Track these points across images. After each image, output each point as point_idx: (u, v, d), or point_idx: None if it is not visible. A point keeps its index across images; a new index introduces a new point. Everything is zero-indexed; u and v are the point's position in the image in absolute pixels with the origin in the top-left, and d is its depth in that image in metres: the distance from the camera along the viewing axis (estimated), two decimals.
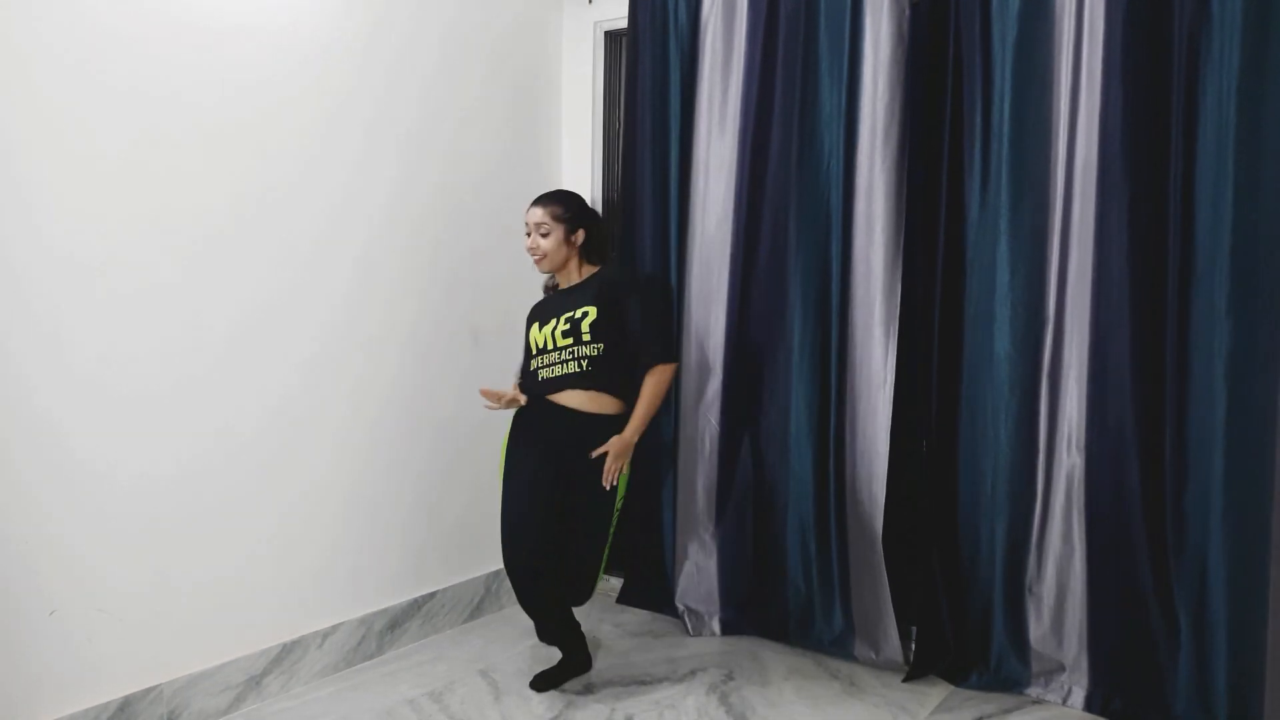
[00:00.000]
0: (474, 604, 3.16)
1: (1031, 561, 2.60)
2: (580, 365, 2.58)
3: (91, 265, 2.10)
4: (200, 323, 2.32)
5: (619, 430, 2.60)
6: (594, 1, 3.37)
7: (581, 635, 2.72)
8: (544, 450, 2.58)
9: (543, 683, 2.63)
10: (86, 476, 2.12)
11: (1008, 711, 2.54)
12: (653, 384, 2.63)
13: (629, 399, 2.65)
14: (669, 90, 3.11)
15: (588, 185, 3.41)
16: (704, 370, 3.08)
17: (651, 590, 3.24)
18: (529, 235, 2.66)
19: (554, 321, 2.62)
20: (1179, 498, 2.39)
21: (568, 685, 2.66)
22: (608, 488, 2.57)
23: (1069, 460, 2.54)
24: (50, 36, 2.01)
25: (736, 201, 2.98)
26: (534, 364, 2.65)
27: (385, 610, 2.85)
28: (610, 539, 2.66)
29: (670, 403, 3.14)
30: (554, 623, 2.67)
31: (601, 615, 3.23)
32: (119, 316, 2.16)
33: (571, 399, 2.59)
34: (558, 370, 2.60)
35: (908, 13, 2.68)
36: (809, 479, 2.88)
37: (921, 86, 2.70)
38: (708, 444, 3.08)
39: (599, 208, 3.42)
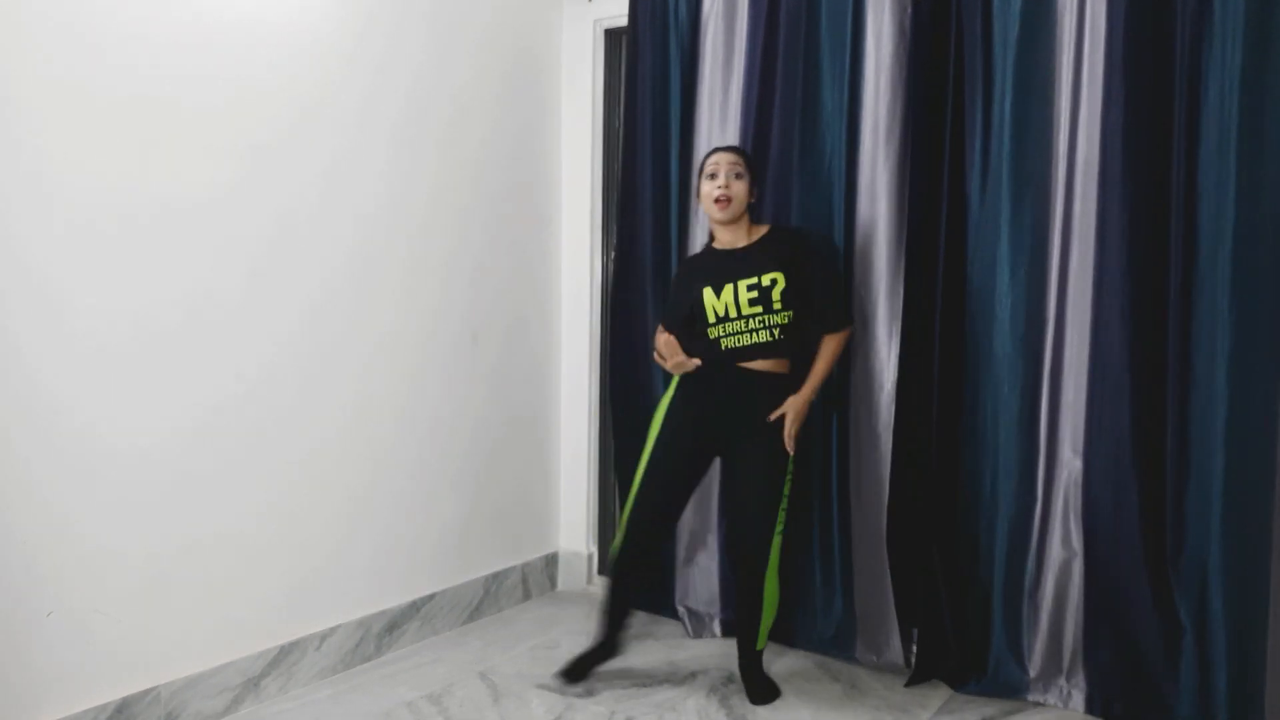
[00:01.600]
0: (473, 606, 3.15)
1: (1031, 563, 2.59)
2: (772, 334, 2.51)
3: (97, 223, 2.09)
4: (193, 321, 2.31)
5: (795, 390, 2.56)
6: (594, 0, 3.36)
7: (628, 623, 2.72)
8: (712, 421, 2.55)
9: (577, 673, 2.65)
10: (87, 477, 2.11)
11: (1008, 715, 2.53)
12: (834, 346, 2.59)
13: (803, 363, 2.61)
14: (669, 88, 3.10)
15: (587, 184, 3.40)
16: None
17: (652, 592, 3.23)
18: (712, 178, 2.54)
19: (732, 286, 2.51)
20: (1179, 499, 2.38)
21: (567, 688, 2.65)
22: (791, 451, 2.53)
23: (1069, 461, 2.53)
24: (50, 10, 2.00)
25: None
26: (713, 332, 2.53)
27: (384, 612, 2.84)
28: (784, 515, 2.56)
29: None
30: (630, 594, 2.66)
31: None
32: (118, 316, 2.15)
33: (761, 366, 2.53)
34: (746, 339, 2.51)
35: (909, 10, 2.67)
36: (810, 479, 2.87)
37: (923, 85, 2.68)
38: None
39: (598, 208, 3.41)
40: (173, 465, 2.28)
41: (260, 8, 2.41)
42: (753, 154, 2.91)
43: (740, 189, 2.54)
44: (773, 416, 2.52)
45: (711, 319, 2.53)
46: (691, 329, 2.59)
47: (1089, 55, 2.46)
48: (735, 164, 2.55)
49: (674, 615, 3.15)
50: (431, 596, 3.00)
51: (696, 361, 2.55)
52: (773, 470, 2.54)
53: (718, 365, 2.55)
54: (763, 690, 2.59)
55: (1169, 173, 2.37)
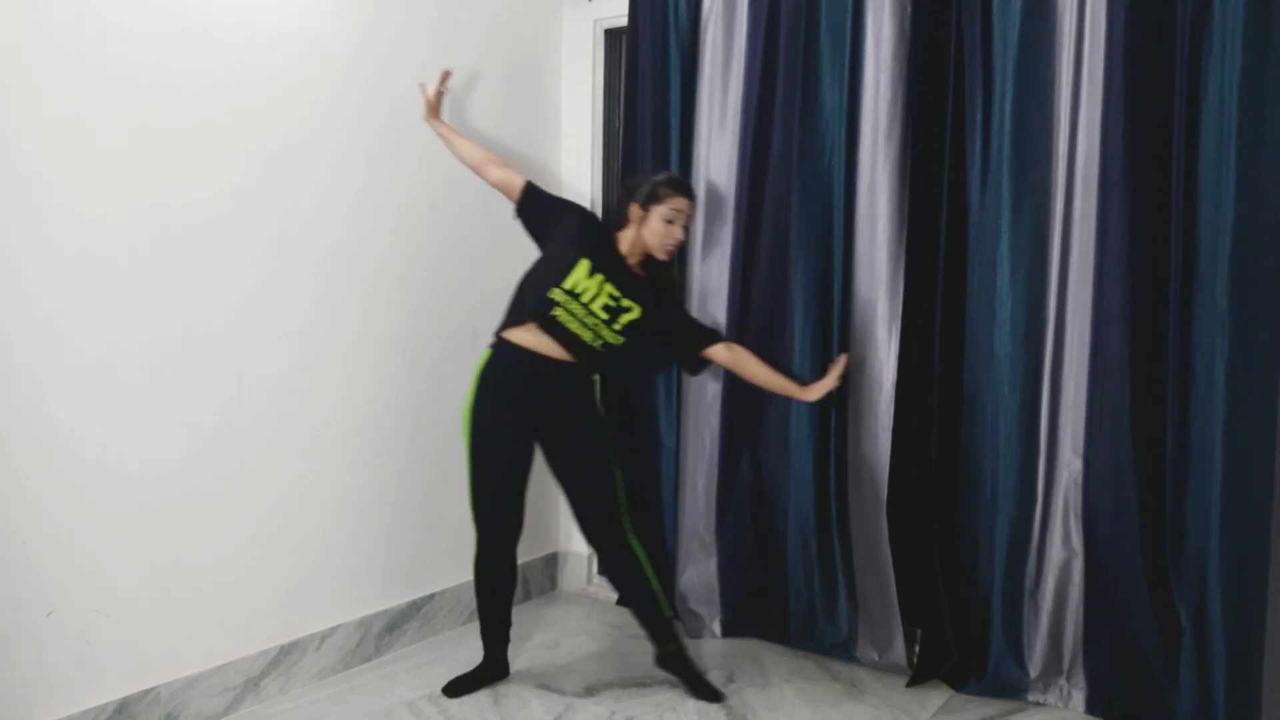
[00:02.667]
0: (473, 606, 3.13)
1: (1031, 563, 2.59)
2: (597, 343, 2.53)
3: (91, 255, 2.09)
4: (192, 322, 2.31)
5: (591, 386, 2.62)
6: (594, 0, 3.36)
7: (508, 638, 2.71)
8: (523, 412, 2.52)
9: (456, 689, 2.58)
10: (86, 477, 2.11)
11: (1009, 715, 2.53)
12: (758, 359, 2.71)
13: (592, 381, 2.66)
14: (669, 88, 3.10)
15: (588, 184, 3.40)
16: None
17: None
18: (669, 223, 2.58)
19: (601, 280, 2.52)
20: (1179, 499, 2.38)
21: (567, 687, 2.65)
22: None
23: (1069, 461, 2.53)
24: (49, 30, 2.00)
25: (737, 200, 2.97)
26: (556, 294, 2.49)
27: (384, 612, 2.84)
28: (619, 471, 2.61)
29: (671, 403, 3.13)
30: (506, 613, 2.67)
31: (601, 617, 3.22)
32: (117, 314, 2.15)
33: (561, 353, 2.51)
34: (573, 328, 2.50)
35: (909, 10, 2.67)
36: (810, 479, 2.87)
37: (923, 85, 2.68)
38: (708, 445, 3.07)
39: (599, 208, 3.41)
40: (173, 467, 2.28)
41: (258, 12, 2.41)
42: (752, 154, 2.92)
43: (682, 241, 2.63)
44: (818, 391, 2.65)
45: (566, 285, 2.49)
46: (537, 274, 2.58)
47: (1089, 55, 2.46)
48: (691, 215, 2.64)
49: (673, 615, 3.14)
50: (431, 596, 3.00)
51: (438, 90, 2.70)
52: (594, 431, 2.58)
53: (512, 347, 2.51)
54: (709, 684, 2.59)
55: (1169, 173, 2.37)
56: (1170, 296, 2.37)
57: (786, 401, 2.89)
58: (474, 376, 2.55)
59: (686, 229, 2.65)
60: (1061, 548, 2.56)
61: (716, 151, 3.03)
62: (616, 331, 2.55)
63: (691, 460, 3.10)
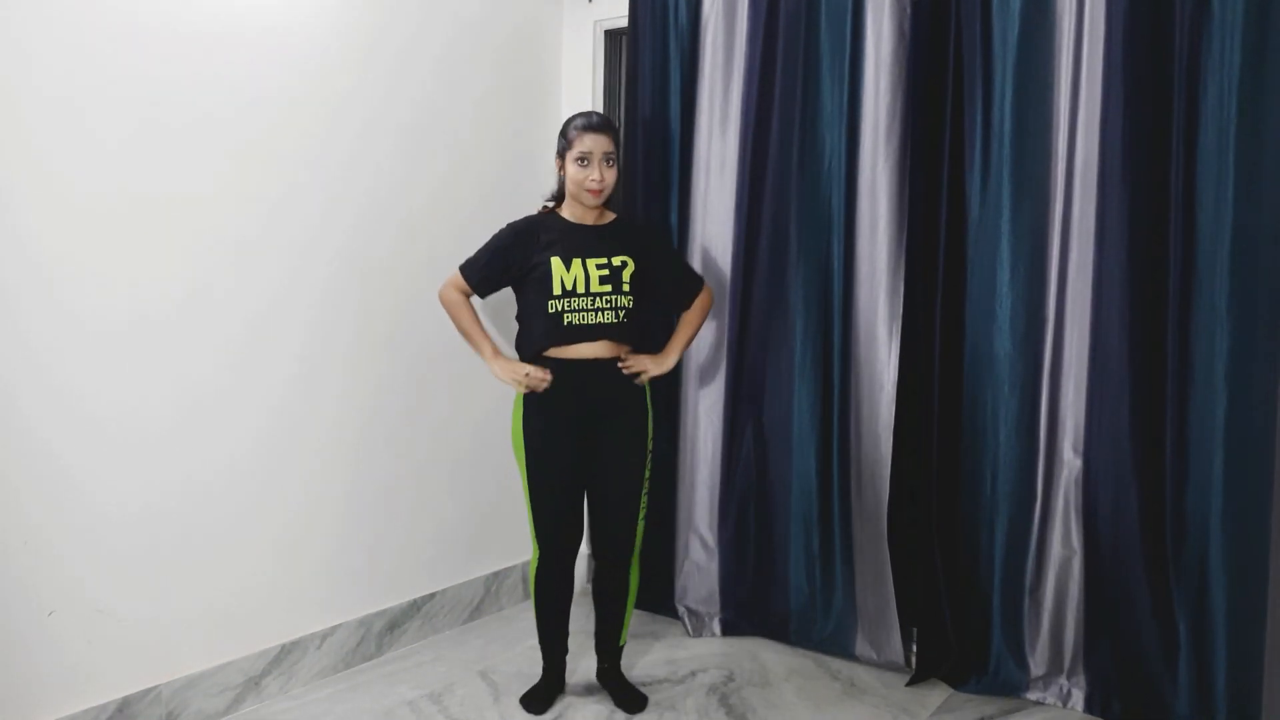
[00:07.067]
0: (473, 605, 3.15)
1: (1031, 562, 2.60)
2: (618, 315, 2.42)
3: (88, 289, 2.10)
4: (201, 329, 2.32)
5: (633, 391, 2.49)
6: (594, 0, 3.36)
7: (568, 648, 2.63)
8: (570, 421, 2.43)
9: (540, 706, 2.51)
10: (85, 478, 2.11)
11: (1008, 714, 2.54)
12: (701, 306, 2.61)
13: (641, 349, 2.53)
14: (669, 89, 3.11)
15: None
16: (706, 370, 3.08)
17: (652, 591, 3.23)
18: (584, 164, 2.38)
19: (581, 261, 2.40)
20: (1179, 498, 2.38)
21: (567, 686, 2.65)
22: (643, 381, 2.47)
23: (1069, 461, 2.54)
24: (43, 47, 2.00)
25: (737, 201, 2.98)
26: (556, 305, 2.39)
27: (384, 611, 2.84)
28: (646, 498, 2.52)
29: (671, 403, 3.14)
30: (565, 624, 2.58)
31: None
32: (118, 315, 2.16)
33: (598, 350, 2.42)
34: (592, 318, 2.40)
35: (909, 11, 2.67)
36: (811, 479, 2.88)
37: (923, 85, 2.69)
38: (709, 444, 3.07)
39: None
40: (175, 467, 2.28)
41: (270, 19, 2.41)
42: (752, 154, 2.92)
43: (611, 177, 2.41)
44: (629, 368, 2.44)
45: (558, 290, 2.39)
46: (528, 298, 2.46)
47: (1088, 56, 2.46)
48: (609, 152, 2.40)
49: (674, 615, 3.15)
50: (432, 595, 3.00)
51: (546, 376, 2.39)
52: (633, 455, 2.48)
53: (554, 358, 2.41)
54: (635, 696, 2.54)
55: (1168, 173, 2.37)
56: (1169, 296, 2.38)
57: (788, 401, 2.90)
58: (516, 397, 2.48)
59: (611, 164, 2.40)
60: (1061, 546, 2.56)
61: (717, 153, 3.03)
62: (626, 293, 2.43)
63: (693, 460, 3.11)
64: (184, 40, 2.24)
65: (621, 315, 2.44)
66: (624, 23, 3.24)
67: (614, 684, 2.59)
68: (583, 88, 3.41)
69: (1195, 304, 2.34)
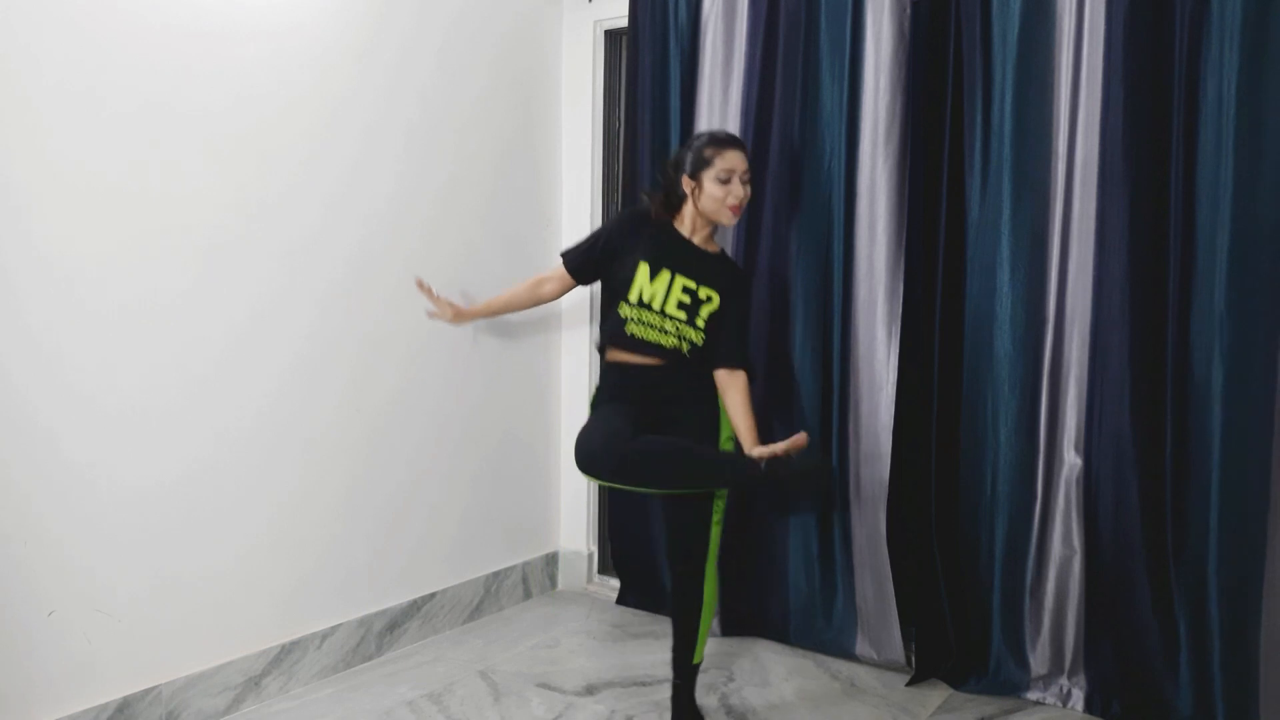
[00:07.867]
0: (473, 605, 3.15)
1: (1031, 562, 2.60)
2: (682, 347, 2.31)
3: (87, 273, 2.09)
4: (198, 325, 2.31)
5: (702, 391, 2.37)
6: (594, 0, 3.36)
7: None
8: (640, 406, 2.32)
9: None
10: (84, 478, 2.11)
11: (1008, 714, 2.54)
12: (745, 388, 2.38)
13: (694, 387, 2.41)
14: (669, 89, 3.11)
15: (588, 185, 3.41)
16: None
17: (652, 591, 3.24)
18: (725, 183, 2.29)
19: (671, 275, 2.31)
20: (1178, 498, 2.38)
21: (567, 686, 2.65)
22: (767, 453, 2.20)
23: (1069, 461, 2.54)
24: (49, 44, 2.00)
25: None
26: (625, 311, 2.32)
27: (384, 611, 2.84)
28: (721, 503, 2.37)
29: None
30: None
31: (601, 616, 3.23)
32: (119, 313, 2.16)
33: (649, 359, 2.34)
34: (654, 336, 2.31)
35: (909, 11, 2.68)
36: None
37: (922, 85, 2.69)
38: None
39: (598, 208, 3.42)
40: (175, 468, 2.28)
41: (265, 20, 2.41)
42: (753, 154, 2.92)
43: (748, 196, 2.35)
44: (762, 456, 2.19)
45: (634, 298, 2.32)
46: (610, 289, 2.40)
47: (1088, 56, 2.46)
48: (746, 170, 2.35)
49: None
50: (432, 595, 3.00)
51: (461, 316, 2.66)
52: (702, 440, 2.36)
53: (615, 365, 2.37)
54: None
55: (1168, 173, 2.37)
56: (1169, 295, 2.38)
57: (789, 401, 2.90)
58: (590, 399, 2.49)
59: (748, 184, 2.35)
60: (1062, 546, 2.56)
61: None
62: (699, 329, 2.33)
63: None
64: (190, 36, 2.24)
65: (686, 347, 2.33)
66: (624, 23, 3.24)
67: (675, 704, 2.41)
68: (582, 88, 3.41)
69: (1194, 303, 2.34)
